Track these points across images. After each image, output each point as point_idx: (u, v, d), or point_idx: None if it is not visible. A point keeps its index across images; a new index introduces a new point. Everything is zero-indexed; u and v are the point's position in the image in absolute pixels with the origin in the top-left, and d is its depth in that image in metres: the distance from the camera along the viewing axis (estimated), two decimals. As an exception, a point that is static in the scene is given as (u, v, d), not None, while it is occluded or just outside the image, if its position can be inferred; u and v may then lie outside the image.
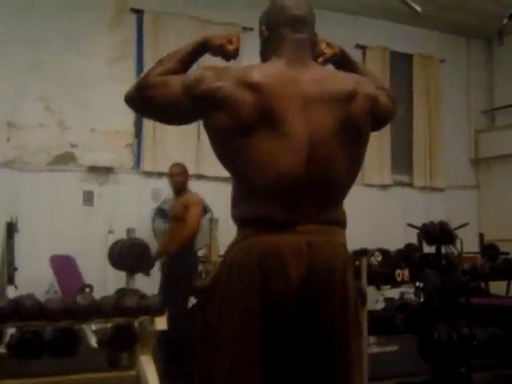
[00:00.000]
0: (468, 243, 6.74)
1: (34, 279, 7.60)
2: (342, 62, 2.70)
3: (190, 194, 7.34)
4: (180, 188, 7.45)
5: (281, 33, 2.49)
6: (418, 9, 5.05)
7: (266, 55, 2.55)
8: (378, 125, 2.57)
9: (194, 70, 2.46)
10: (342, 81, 2.45)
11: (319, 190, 2.30)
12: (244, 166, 2.31)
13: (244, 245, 2.30)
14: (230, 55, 2.60)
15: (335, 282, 2.28)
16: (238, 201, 2.38)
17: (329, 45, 2.67)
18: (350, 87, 2.39)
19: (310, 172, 2.28)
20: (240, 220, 2.36)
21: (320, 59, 2.61)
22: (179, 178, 7.43)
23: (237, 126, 2.29)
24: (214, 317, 2.32)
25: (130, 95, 2.48)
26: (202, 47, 2.58)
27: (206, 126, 2.40)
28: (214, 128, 2.36)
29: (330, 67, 2.67)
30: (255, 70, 2.37)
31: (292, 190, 2.28)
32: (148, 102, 2.44)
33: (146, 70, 8.58)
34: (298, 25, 2.50)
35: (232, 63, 2.59)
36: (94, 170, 9.65)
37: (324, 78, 2.43)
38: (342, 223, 2.42)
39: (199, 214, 7.03)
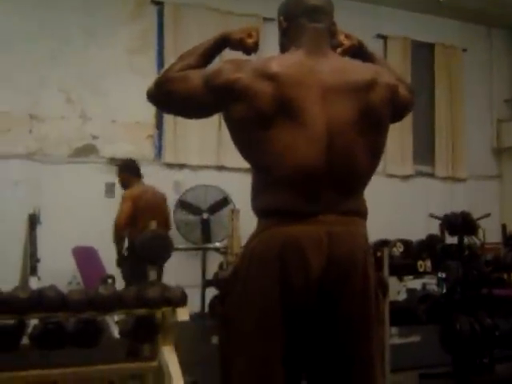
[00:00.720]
0: (490, 233, 6.72)
1: (57, 271, 7.65)
2: (360, 53, 2.68)
3: (130, 189, 7.27)
4: (124, 184, 7.42)
5: (299, 23, 2.48)
6: (440, -3, 5.04)
7: (284, 46, 2.54)
8: (396, 116, 2.56)
9: (214, 64, 2.46)
10: (362, 70, 2.43)
11: (339, 179, 2.29)
12: (263, 157, 2.31)
13: (264, 236, 2.30)
14: (250, 49, 2.60)
15: (356, 272, 2.26)
16: (258, 192, 2.38)
17: (347, 36, 2.66)
18: (369, 77, 2.38)
19: (330, 161, 2.27)
20: (260, 211, 2.35)
21: (338, 50, 2.60)
22: (121, 175, 7.48)
23: (256, 117, 2.28)
24: (235, 308, 2.32)
25: (151, 91, 2.48)
26: (222, 42, 2.59)
27: (226, 118, 2.40)
28: (234, 119, 2.35)
29: (348, 58, 2.65)
30: (274, 61, 2.36)
31: (311, 179, 2.27)
32: (169, 97, 2.45)
33: (166, 62, 8.59)
34: (315, 14, 2.48)
35: (253, 56, 2.58)
36: (115, 161, 9.68)
37: (343, 67, 2.42)
38: (362, 213, 2.40)
39: (125, 209, 6.98)
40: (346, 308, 2.25)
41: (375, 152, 2.41)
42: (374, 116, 2.35)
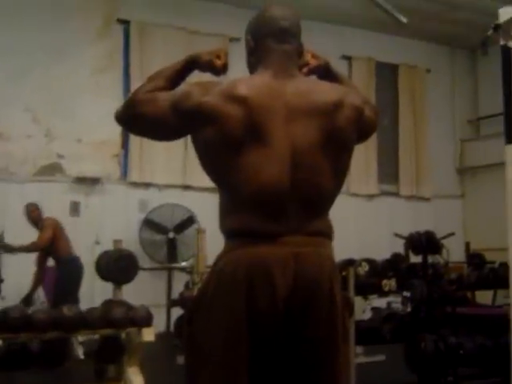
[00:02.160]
0: (454, 252, 6.77)
1: (21, 290, 7.57)
2: (327, 73, 2.69)
3: (44, 221, 7.85)
4: (37, 221, 7.90)
5: (267, 44, 2.48)
6: (404, 20, 5.09)
7: (252, 66, 2.54)
8: (362, 136, 2.57)
9: (182, 86, 2.46)
10: (328, 91, 2.45)
11: (304, 199, 2.30)
12: (230, 179, 2.31)
13: (230, 257, 2.30)
14: (219, 70, 2.61)
15: (322, 294, 2.27)
16: (225, 213, 2.38)
17: (314, 56, 2.67)
18: (335, 98, 2.40)
19: (294, 182, 2.28)
20: (227, 232, 2.36)
21: (304, 69, 2.61)
22: (34, 213, 7.94)
23: (224, 140, 2.28)
24: (201, 329, 2.31)
25: (119, 113, 2.48)
26: (191, 64, 2.59)
27: (193, 140, 2.40)
28: (202, 142, 2.35)
29: (315, 79, 2.67)
30: (242, 84, 2.36)
31: (276, 200, 2.27)
32: (137, 119, 2.44)
33: (132, 81, 8.54)
34: (284, 36, 2.49)
35: (222, 78, 2.59)
36: (80, 180, 9.65)
37: (309, 88, 2.43)
38: (328, 234, 2.41)
39: (47, 235, 7.62)
40: (313, 329, 2.25)
41: (340, 172, 2.42)
42: (339, 137, 2.36)
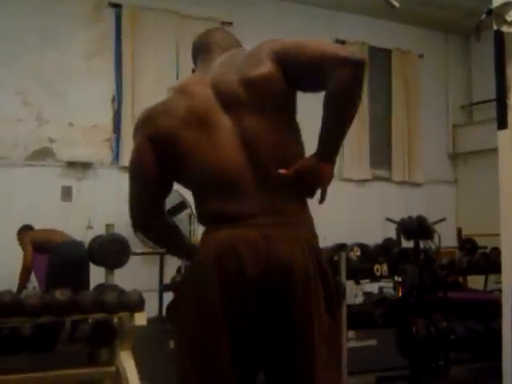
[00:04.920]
0: (446, 238, 6.78)
1: (12, 275, 7.55)
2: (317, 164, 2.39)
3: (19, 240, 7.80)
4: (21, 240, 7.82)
5: (199, 56, 2.60)
6: (396, 4, 5.04)
7: None
8: (300, 81, 2.39)
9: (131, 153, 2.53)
10: (244, 57, 2.45)
11: (264, 178, 2.30)
12: (192, 174, 2.38)
13: (203, 243, 2.35)
14: None
15: (295, 275, 2.24)
16: (197, 204, 2.44)
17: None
18: (246, 55, 2.43)
19: (251, 162, 2.30)
20: (200, 219, 2.42)
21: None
22: (19, 236, 7.80)
23: (176, 146, 2.37)
24: (182, 314, 2.35)
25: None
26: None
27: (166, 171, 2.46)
28: (166, 161, 2.43)
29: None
30: (168, 96, 2.47)
31: (236, 183, 2.29)
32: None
33: (123, 65, 8.47)
34: (210, 45, 2.58)
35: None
36: (72, 165, 9.62)
37: (226, 63, 2.46)
38: (300, 214, 2.38)
39: (27, 253, 7.58)
40: (286, 309, 2.24)
41: (290, 137, 2.39)
42: (260, 92, 2.34)
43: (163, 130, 2.38)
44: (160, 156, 2.40)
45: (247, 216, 2.27)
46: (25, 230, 7.74)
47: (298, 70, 2.33)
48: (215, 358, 2.24)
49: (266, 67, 2.33)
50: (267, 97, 2.34)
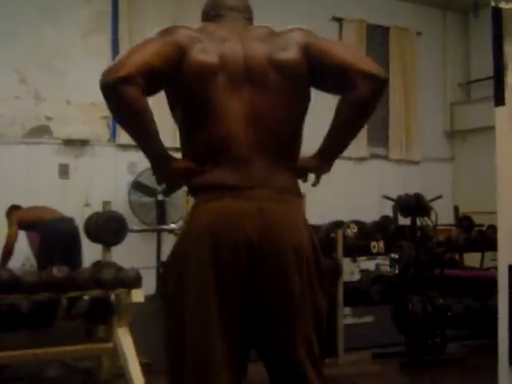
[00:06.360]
0: (443, 215, 6.79)
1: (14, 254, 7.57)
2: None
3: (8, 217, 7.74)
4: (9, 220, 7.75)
5: (217, 17, 2.56)
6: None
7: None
8: (321, 77, 2.44)
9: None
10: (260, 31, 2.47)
11: (268, 152, 2.31)
12: (195, 134, 2.35)
13: (195, 214, 2.31)
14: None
15: (287, 250, 2.25)
16: (187, 155, 2.41)
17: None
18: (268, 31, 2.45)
19: (256, 133, 2.30)
20: (193, 188, 2.38)
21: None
22: (7, 215, 7.76)
23: (204, 84, 2.31)
24: (173, 286, 2.33)
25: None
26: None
27: (170, 91, 2.41)
28: (178, 93, 2.38)
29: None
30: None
31: (238, 154, 2.29)
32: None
33: (120, 44, 8.44)
34: (231, 11, 2.55)
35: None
36: (69, 142, 9.62)
37: (252, 34, 2.46)
38: (296, 192, 2.40)
39: (11, 232, 7.47)
40: (280, 281, 2.25)
41: (298, 117, 2.43)
42: (285, 74, 2.36)
43: (198, 58, 2.30)
44: (180, 71, 2.30)
45: (245, 188, 2.27)
46: (13, 210, 7.73)
47: (322, 70, 2.40)
48: (207, 332, 2.23)
49: (293, 53, 2.37)
50: (291, 80, 2.36)
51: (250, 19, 2.58)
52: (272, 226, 2.25)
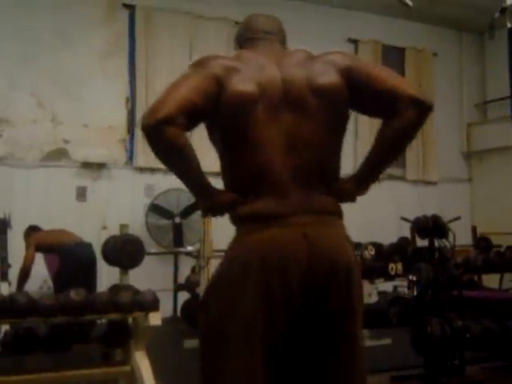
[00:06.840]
0: (461, 236, 6.75)
1: (32, 275, 7.59)
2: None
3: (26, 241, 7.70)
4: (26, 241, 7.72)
5: (251, 41, 2.55)
6: (410, 3, 5.06)
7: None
8: (362, 102, 2.48)
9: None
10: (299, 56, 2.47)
11: (306, 177, 2.31)
12: (232, 168, 2.37)
13: (242, 242, 2.30)
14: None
15: (338, 274, 2.26)
16: (230, 190, 2.40)
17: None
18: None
19: (291, 157, 2.30)
20: (235, 219, 2.37)
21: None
22: (24, 237, 7.73)
23: (244, 113, 2.31)
24: (218, 316, 2.30)
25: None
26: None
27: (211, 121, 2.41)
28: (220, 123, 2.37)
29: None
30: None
31: (276, 179, 2.28)
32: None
33: (137, 66, 8.47)
34: (267, 35, 2.55)
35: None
36: (87, 165, 9.66)
37: (291, 58, 2.46)
38: (337, 213, 2.41)
39: (28, 255, 7.42)
40: (331, 308, 2.26)
41: (337, 143, 2.44)
42: (326, 99, 2.36)
43: (237, 89, 2.30)
44: (218, 104, 2.29)
45: (287, 215, 2.27)
46: (31, 231, 7.71)
47: (367, 94, 2.41)
48: (251, 361, 2.22)
49: (333, 77, 2.38)
50: (331, 104, 2.37)
51: (284, 42, 2.60)
52: (319, 248, 2.25)
